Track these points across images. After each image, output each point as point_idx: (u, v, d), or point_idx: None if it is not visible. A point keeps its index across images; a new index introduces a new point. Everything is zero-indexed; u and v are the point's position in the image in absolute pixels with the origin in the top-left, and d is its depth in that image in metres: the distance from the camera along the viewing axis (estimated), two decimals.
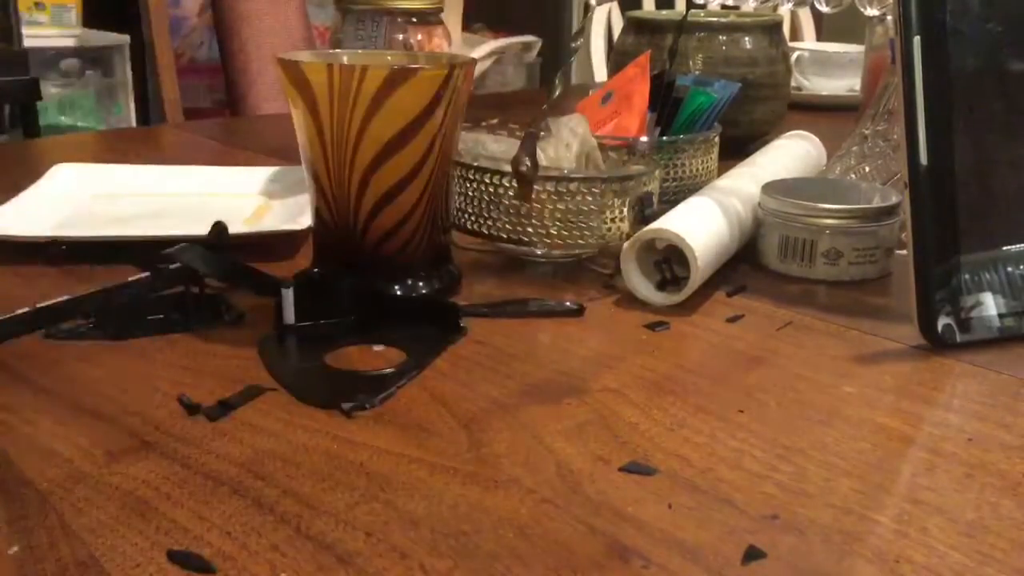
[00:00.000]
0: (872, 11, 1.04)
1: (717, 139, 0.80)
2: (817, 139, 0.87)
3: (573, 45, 0.60)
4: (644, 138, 0.76)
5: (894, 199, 0.65)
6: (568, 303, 0.59)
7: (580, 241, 0.62)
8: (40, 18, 2.57)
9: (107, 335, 0.53)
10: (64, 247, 0.64)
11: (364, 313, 0.56)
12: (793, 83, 1.30)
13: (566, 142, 0.67)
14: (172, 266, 0.57)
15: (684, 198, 0.67)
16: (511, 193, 0.61)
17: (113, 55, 2.69)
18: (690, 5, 0.93)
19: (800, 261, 0.65)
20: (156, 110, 2.22)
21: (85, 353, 0.51)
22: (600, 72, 2.09)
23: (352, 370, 0.50)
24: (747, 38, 1.01)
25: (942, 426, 0.45)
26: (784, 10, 1.53)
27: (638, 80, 0.78)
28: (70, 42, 2.63)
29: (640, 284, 0.60)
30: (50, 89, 2.57)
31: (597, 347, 0.53)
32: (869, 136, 0.76)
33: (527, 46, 2.83)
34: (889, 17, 1.02)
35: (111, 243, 0.65)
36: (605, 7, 2.11)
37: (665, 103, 0.80)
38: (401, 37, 0.90)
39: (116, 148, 1.08)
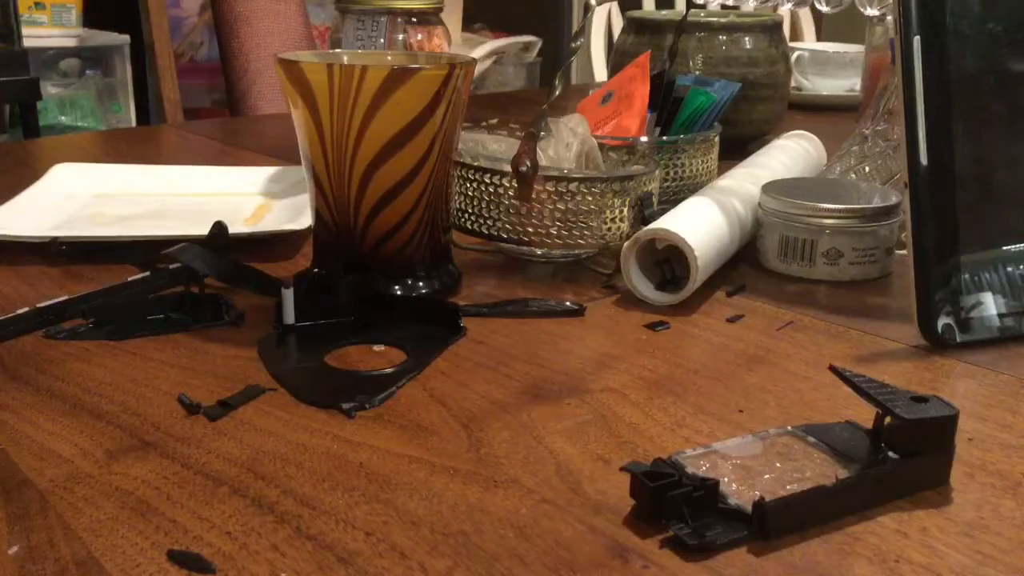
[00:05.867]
0: (872, 11, 1.04)
1: (717, 139, 0.80)
2: (817, 139, 0.87)
3: (573, 45, 0.60)
4: (644, 138, 0.76)
5: (894, 199, 0.65)
6: (568, 303, 0.59)
7: (580, 241, 0.62)
8: (40, 18, 2.57)
9: (107, 335, 0.53)
10: (64, 247, 0.64)
11: (364, 313, 0.56)
12: (793, 83, 1.30)
13: (566, 142, 0.67)
14: (172, 266, 0.57)
15: (684, 198, 0.67)
16: (511, 193, 0.61)
17: (113, 55, 2.69)
18: (690, 5, 0.93)
19: (800, 261, 0.65)
20: (156, 110, 2.22)
21: (85, 353, 0.51)
22: (600, 72, 2.09)
23: (352, 370, 0.50)
24: (747, 38, 1.01)
25: None
26: (784, 10, 1.53)
27: (638, 80, 0.78)
28: (70, 42, 2.63)
29: (640, 284, 0.60)
30: (50, 89, 2.57)
31: (597, 347, 0.54)
32: (869, 136, 0.76)
33: (527, 46, 2.83)
34: (889, 17, 1.02)
35: (111, 243, 0.65)
36: (605, 7, 2.11)
37: (665, 103, 0.80)
38: (401, 37, 0.90)
39: (116, 148, 1.08)
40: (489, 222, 0.63)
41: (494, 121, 0.73)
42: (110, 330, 0.53)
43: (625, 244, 0.60)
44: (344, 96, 0.53)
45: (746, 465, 0.39)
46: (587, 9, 0.66)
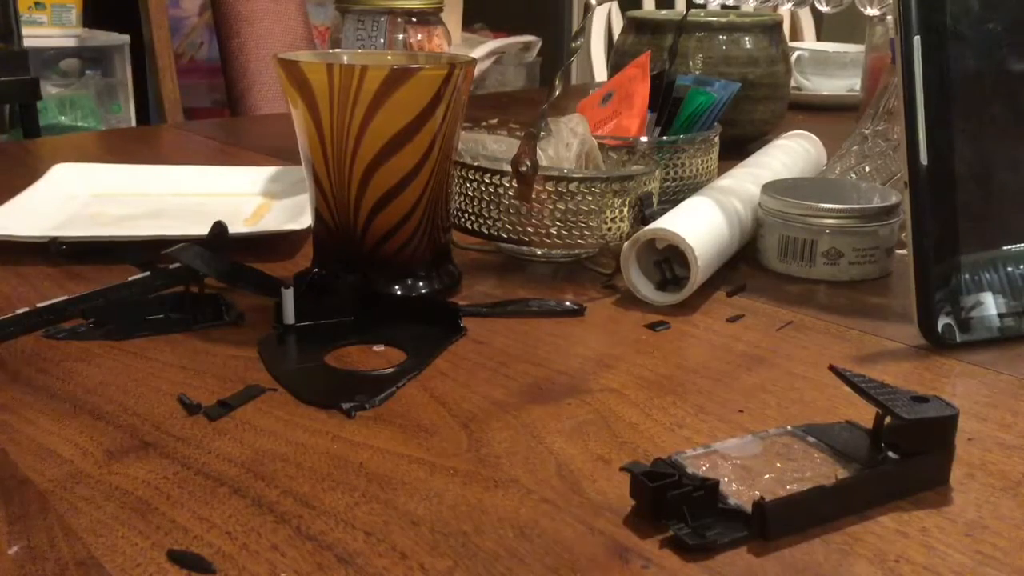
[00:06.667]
0: (872, 11, 1.04)
1: (717, 139, 0.80)
2: (817, 139, 0.87)
3: (573, 45, 0.60)
4: (644, 138, 0.76)
5: (894, 199, 0.65)
6: (568, 303, 0.59)
7: (580, 241, 0.62)
8: (40, 18, 2.57)
9: (107, 335, 0.53)
10: (64, 247, 0.64)
11: (364, 313, 0.56)
12: (793, 83, 1.30)
13: (566, 142, 0.67)
14: (172, 266, 0.57)
15: (684, 198, 0.67)
16: (511, 193, 0.61)
17: (113, 55, 2.70)
18: (690, 5, 0.93)
19: (800, 261, 0.65)
20: (156, 110, 2.22)
21: (85, 353, 0.51)
22: (600, 72, 2.09)
23: (352, 370, 0.50)
24: (747, 38, 1.01)
25: None
26: (784, 10, 1.53)
27: (638, 80, 0.78)
28: (70, 42, 2.63)
29: (640, 284, 0.60)
30: (50, 89, 2.57)
31: (597, 347, 0.54)
32: (869, 136, 0.76)
33: (527, 46, 2.83)
34: (889, 17, 1.02)
35: (111, 243, 0.65)
36: (605, 7, 2.11)
37: (665, 103, 0.80)
38: (401, 37, 0.90)
39: (116, 148, 1.08)
40: (489, 222, 0.63)
41: (494, 121, 0.73)
42: (110, 330, 0.53)
43: (625, 244, 0.60)
44: (344, 96, 0.53)
45: (746, 465, 0.39)
46: (587, 9, 0.66)
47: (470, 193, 0.63)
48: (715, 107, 0.80)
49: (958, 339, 0.54)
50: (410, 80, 0.53)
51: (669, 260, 0.61)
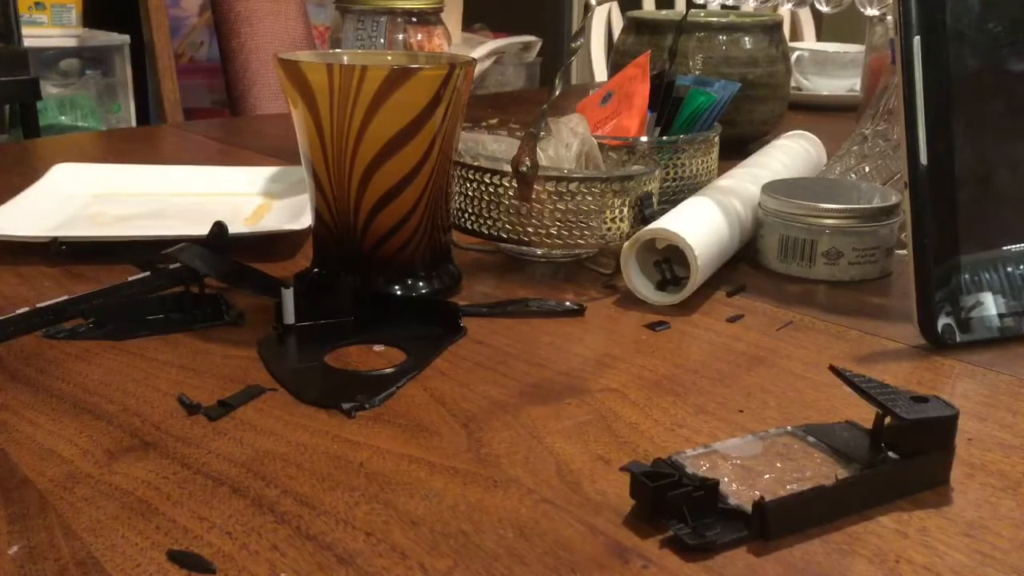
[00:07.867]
0: (872, 11, 1.04)
1: (717, 139, 0.80)
2: (817, 139, 0.87)
3: (573, 45, 0.60)
4: (644, 138, 0.76)
5: (894, 199, 0.65)
6: (568, 303, 0.59)
7: (580, 241, 0.62)
8: (40, 18, 2.57)
9: (107, 335, 0.53)
10: (64, 247, 0.64)
11: (364, 313, 0.56)
12: (793, 83, 1.30)
13: (566, 142, 0.67)
14: (172, 266, 0.57)
15: (684, 198, 0.67)
16: (511, 193, 0.61)
17: (113, 55, 2.70)
18: (690, 5, 0.93)
19: (800, 261, 0.65)
20: (156, 110, 2.22)
21: (85, 353, 0.51)
22: (600, 72, 2.09)
23: (352, 370, 0.50)
24: (747, 38, 1.01)
25: None
26: (784, 10, 1.53)
27: (638, 80, 0.78)
28: (70, 42, 2.63)
29: (640, 284, 0.60)
30: (50, 89, 2.57)
31: (597, 347, 0.54)
32: (869, 136, 0.76)
33: (527, 46, 2.83)
34: (889, 17, 1.02)
35: (111, 243, 0.65)
36: (605, 7, 2.11)
37: (665, 103, 0.80)
38: (401, 37, 0.90)
39: (116, 148, 1.08)
40: (489, 222, 0.63)
41: (494, 121, 0.73)
42: (110, 330, 0.53)
43: (625, 244, 0.60)
44: (344, 96, 0.53)
45: (746, 465, 0.39)
46: (587, 9, 0.67)
47: (470, 193, 0.63)
48: (715, 107, 0.80)
49: (958, 339, 0.54)
50: (410, 80, 0.53)
51: (669, 260, 0.61)
